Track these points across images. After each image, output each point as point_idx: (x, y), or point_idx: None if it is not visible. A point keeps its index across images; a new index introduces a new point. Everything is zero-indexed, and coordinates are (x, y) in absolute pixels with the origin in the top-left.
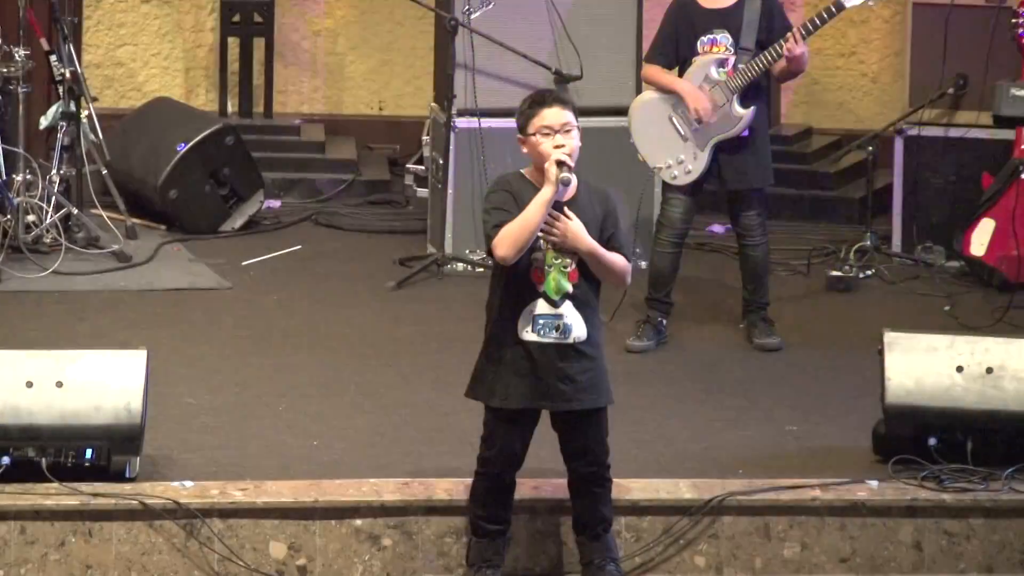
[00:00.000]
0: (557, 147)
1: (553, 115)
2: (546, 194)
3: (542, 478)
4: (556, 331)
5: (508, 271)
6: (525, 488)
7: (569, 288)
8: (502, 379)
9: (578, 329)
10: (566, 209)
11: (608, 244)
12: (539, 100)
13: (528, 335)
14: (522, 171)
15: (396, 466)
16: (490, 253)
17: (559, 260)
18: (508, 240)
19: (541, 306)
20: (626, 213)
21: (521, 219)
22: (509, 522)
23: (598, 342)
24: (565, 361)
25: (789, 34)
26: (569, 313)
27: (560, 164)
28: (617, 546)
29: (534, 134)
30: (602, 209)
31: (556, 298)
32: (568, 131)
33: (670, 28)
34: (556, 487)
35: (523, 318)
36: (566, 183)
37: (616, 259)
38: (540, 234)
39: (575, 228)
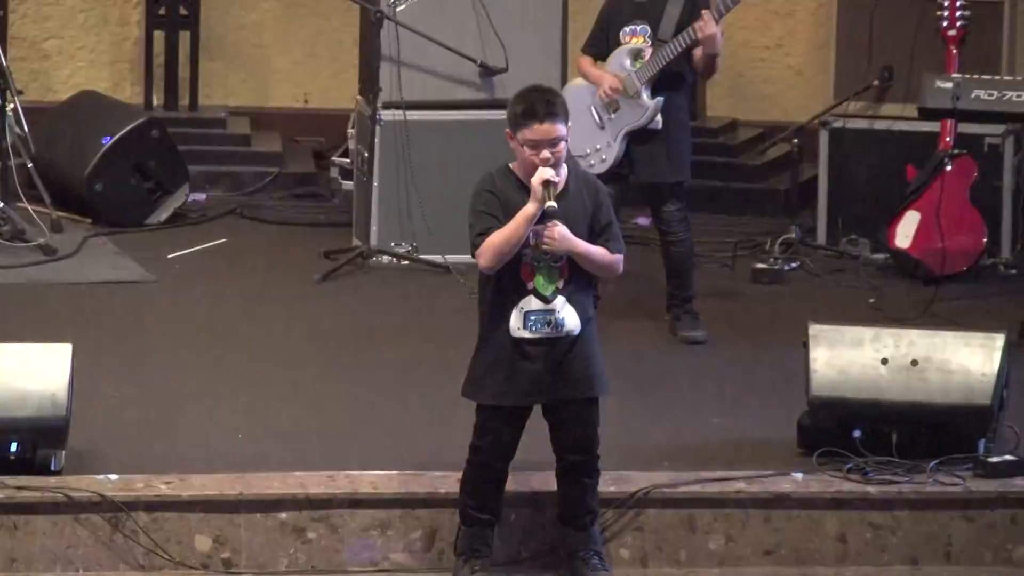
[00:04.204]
0: (543, 159)
1: (544, 131)
2: (530, 210)
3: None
4: (548, 326)
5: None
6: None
7: (559, 283)
8: (495, 377)
9: (571, 322)
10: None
11: (601, 237)
12: (531, 112)
13: (520, 332)
14: (509, 165)
15: (321, 459)
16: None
17: (548, 256)
18: (491, 252)
19: (532, 302)
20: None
21: (504, 233)
22: (499, 512)
23: (592, 333)
24: (558, 355)
25: (703, 12)
26: (561, 307)
27: (547, 184)
28: (602, 538)
29: (522, 144)
30: (592, 201)
31: (547, 294)
32: (556, 144)
33: (602, 19)
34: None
35: (515, 315)
36: (551, 212)
37: (604, 255)
38: (531, 239)
39: (564, 233)
